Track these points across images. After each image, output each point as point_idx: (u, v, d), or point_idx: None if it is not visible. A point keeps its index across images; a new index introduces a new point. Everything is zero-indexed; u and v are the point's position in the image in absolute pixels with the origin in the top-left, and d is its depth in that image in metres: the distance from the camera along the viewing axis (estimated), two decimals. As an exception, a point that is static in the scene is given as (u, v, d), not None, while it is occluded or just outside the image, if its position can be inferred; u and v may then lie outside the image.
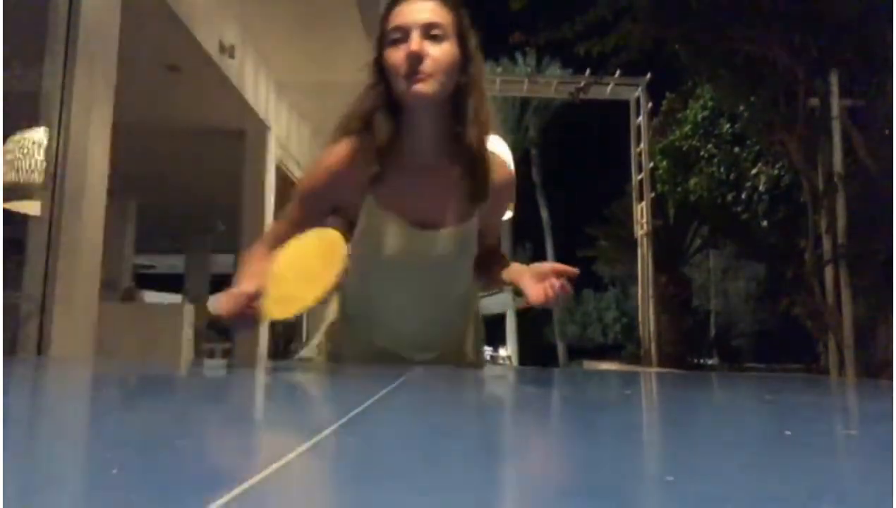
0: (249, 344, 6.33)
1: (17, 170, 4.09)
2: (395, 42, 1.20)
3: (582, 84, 7.79)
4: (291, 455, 0.44)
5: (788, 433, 0.68)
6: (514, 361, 18.88)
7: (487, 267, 1.38)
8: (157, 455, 0.46)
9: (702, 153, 8.67)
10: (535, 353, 23.22)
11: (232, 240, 8.09)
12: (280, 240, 1.21)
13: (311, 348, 1.48)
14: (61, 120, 3.08)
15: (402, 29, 1.19)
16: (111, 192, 3.38)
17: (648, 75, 8.03)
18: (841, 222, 4.78)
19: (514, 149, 6.13)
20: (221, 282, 13.51)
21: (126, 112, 3.55)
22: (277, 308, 1.14)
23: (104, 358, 3.35)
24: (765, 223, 7.74)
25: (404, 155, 1.26)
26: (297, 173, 7.66)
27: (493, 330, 20.88)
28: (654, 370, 6.66)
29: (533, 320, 23.82)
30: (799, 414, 0.88)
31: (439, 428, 0.67)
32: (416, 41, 1.17)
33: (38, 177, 3.62)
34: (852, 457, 0.56)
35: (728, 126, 8.37)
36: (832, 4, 4.92)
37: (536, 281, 1.21)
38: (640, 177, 8.21)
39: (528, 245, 25.80)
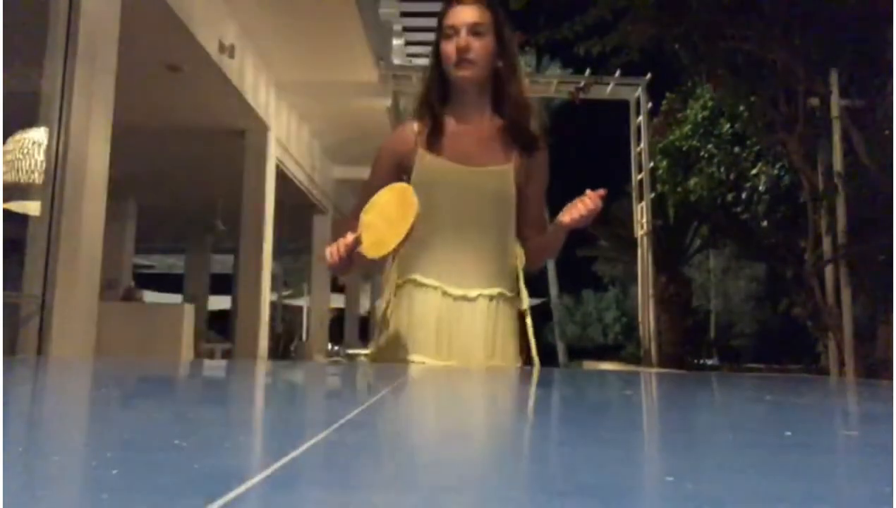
0: (250, 344, 6.34)
1: (17, 170, 4.09)
2: (448, 37, 1.59)
3: (582, 84, 7.78)
4: (291, 455, 0.44)
5: (788, 433, 0.68)
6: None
7: (539, 238, 1.69)
8: (157, 455, 0.46)
9: (702, 153, 8.66)
10: (535, 353, 23.17)
11: (232, 239, 8.10)
12: (364, 202, 1.50)
13: (373, 346, 1.70)
14: (61, 120, 3.08)
15: (454, 27, 1.58)
16: (111, 192, 3.38)
17: (648, 75, 8.03)
18: (841, 222, 4.77)
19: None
20: (221, 282, 13.53)
21: (126, 112, 3.55)
22: (372, 250, 1.43)
23: (104, 358, 3.35)
24: (765, 223, 7.73)
25: (455, 122, 1.62)
26: (297, 173, 7.66)
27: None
28: (654, 370, 6.66)
29: (533, 320, 23.79)
30: (799, 414, 0.88)
31: (439, 428, 0.67)
32: (463, 37, 1.56)
33: (38, 177, 3.62)
34: (852, 457, 0.56)
35: (728, 126, 8.36)
36: (832, 4, 4.92)
37: (569, 210, 1.55)
38: (640, 177, 8.20)
39: (528, 245, 25.78)
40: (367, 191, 1.55)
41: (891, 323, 4.46)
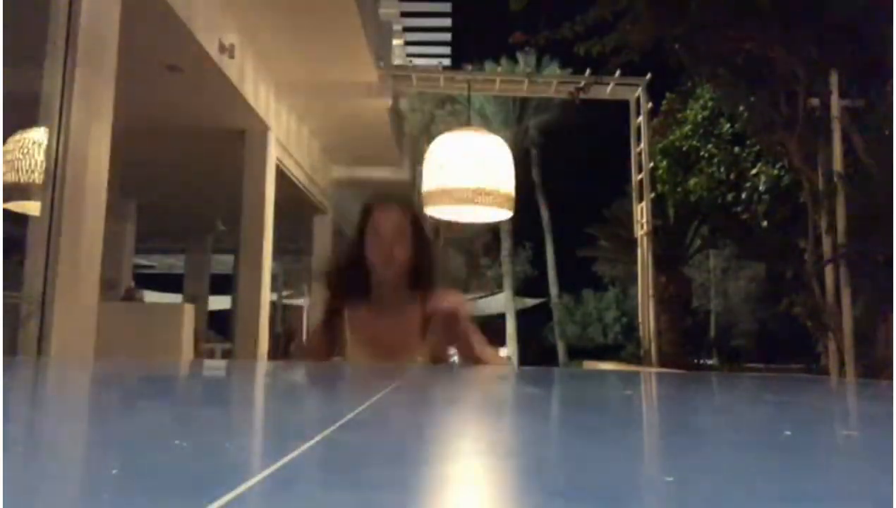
0: (250, 344, 6.34)
1: (17, 170, 4.10)
2: (374, 236, 1.76)
3: (582, 84, 7.76)
4: (291, 456, 0.44)
5: (788, 433, 0.68)
6: (515, 361, 18.88)
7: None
8: (157, 456, 0.46)
9: (702, 153, 8.66)
10: (535, 353, 23.20)
11: (232, 239, 8.09)
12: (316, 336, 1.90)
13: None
14: (61, 120, 3.08)
15: (379, 229, 1.76)
16: (111, 192, 3.38)
17: (648, 75, 8.02)
18: (841, 222, 4.77)
19: (514, 148, 6.13)
20: (221, 282, 13.53)
21: (126, 112, 3.55)
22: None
23: (104, 358, 3.35)
24: (765, 223, 7.72)
25: (375, 312, 1.79)
26: (297, 173, 7.66)
27: (493, 331, 20.88)
28: (654, 370, 6.66)
29: (533, 320, 23.82)
30: (799, 414, 0.88)
31: (439, 429, 0.67)
32: (388, 240, 1.75)
33: (38, 177, 3.62)
34: (852, 457, 0.56)
35: (728, 126, 8.36)
36: (832, 4, 4.91)
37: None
38: (640, 177, 8.20)
39: (529, 244, 25.77)
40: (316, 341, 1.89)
41: (891, 323, 4.46)
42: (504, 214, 4.91)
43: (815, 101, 5.17)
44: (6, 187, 3.95)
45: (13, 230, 3.33)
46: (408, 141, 11.17)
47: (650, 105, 8.24)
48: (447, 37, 9.67)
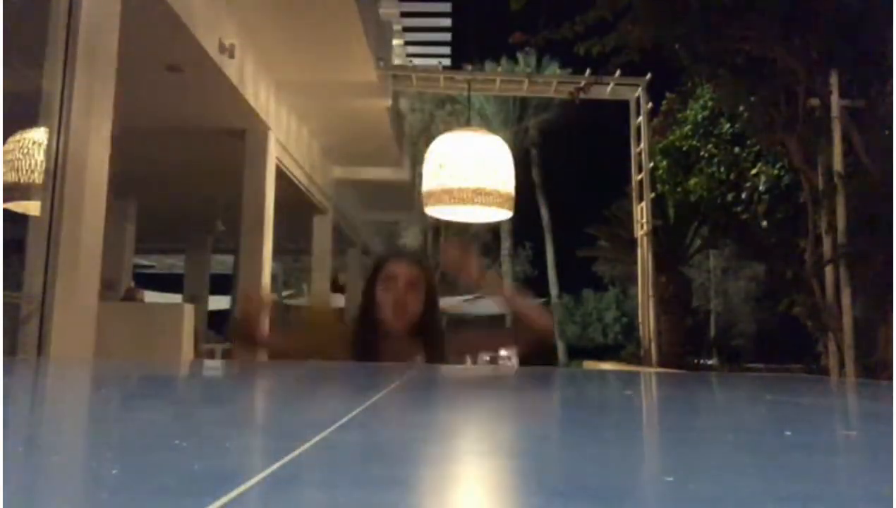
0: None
1: (17, 170, 4.10)
2: (387, 287, 1.82)
3: (582, 84, 7.76)
4: (291, 455, 0.44)
5: (788, 433, 0.68)
6: (515, 361, 18.84)
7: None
8: (157, 455, 0.46)
9: (702, 153, 8.66)
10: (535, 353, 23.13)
11: (232, 239, 8.08)
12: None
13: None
14: (61, 120, 3.08)
15: (392, 279, 1.82)
16: (111, 192, 3.38)
17: (648, 75, 8.01)
18: (841, 222, 4.77)
19: (514, 148, 6.13)
20: (221, 282, 13.52)
21: (126, 112, 3.54)
22: None
23: (104, 358, 3.34)
24: (765, 223, 7.72)
25: (382, 350, 1.83)
26: (296, 173, 7.66)
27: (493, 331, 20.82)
28: (654, 370, 6.66)
29: (533, 320, 23.74)
30: (799, 414, 0.88)
31: (439, 429, 0.67)
32: (401, 291, 1.81)
33: (38, 177, 3.62)
34: (852, 457, 0.56)
35: (728, 126, 8.36)
36: (832, 4, 4.91)
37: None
38: (640, 177, 8.19)
39: (529, 244, 25.78)
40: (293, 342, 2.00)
41: (891, 323, 4.46)
42: (504, 214, 4.91)
43: (815, 101, 5.17)
44: (6, 187, 3.95)
45: (13, 230, 3.33)
46: (408, 141, 11.18)
47: (650, 105, 8.23)
48: (447, 37, 9.67)
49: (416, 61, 9.61)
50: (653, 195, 8.30)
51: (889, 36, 4.27)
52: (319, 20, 5.54)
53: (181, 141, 6.73)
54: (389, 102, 7.44)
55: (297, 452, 0.45)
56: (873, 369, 4.61)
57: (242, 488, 0.34)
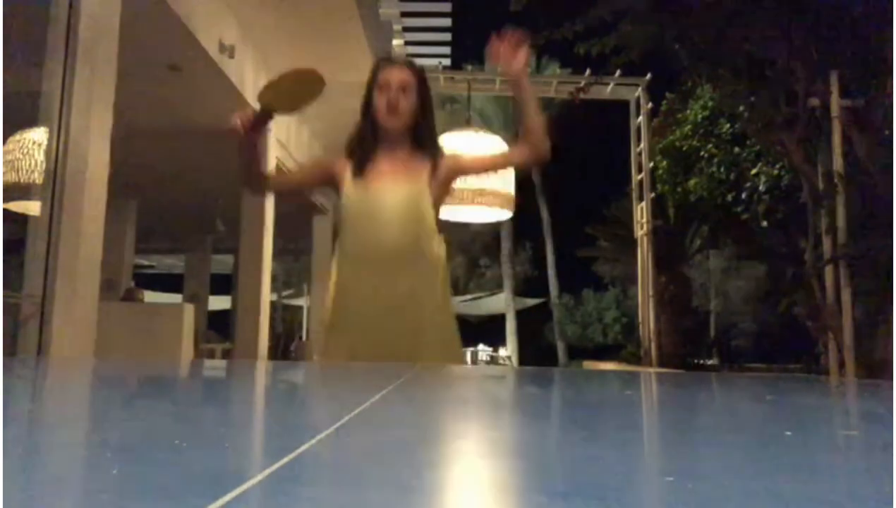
0: (250, 344, 6.33)
1: (17, 170, 4.10)
2: (381, 91, 1.93)
3: (582, 84, 7.76)
4: (291, 456, 0.44)
5: (788, 433, 0.68)
6: (514, 361, 18.87)
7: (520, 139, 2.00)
8: (157, 456, 0.46)
9: (702, 153, 8.65)
10: (535, 353, 23.18)
11: (232, 239, 8.08)
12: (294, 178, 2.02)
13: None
14: (61, 120, 3.08)
15: (386, 83, 1.93)
16: (111, 192, 3.38)
17: (648, 75, 8.01)
18: (841, 222, 4.77)
19: (514, 149, 6.12)
20: (221, 282, 13.52)
21: (126, 112, 3.54)
22: (275, 101, 1.95)
23: (104, 358, 3.34)
24: (765, 223, 7.72)
25: (381, 157, 1.95)
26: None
27: (493, 330, 20.87)
28: (654, 370, 6.66)
29: (533, 320, 23.80)
30: (799, 414, 0.88)
31: (439, 429, 0.67)
32: (394, 93, 1.91)
33: (38, 177, 3.62)
34: (852, 457, 0.56)
35: (728, 126, 8.35)
36: (832, 4, 4.91)
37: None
38: (640, 177, 8.19)
39: (529, 245, 25.76)
40: (296, 173, 1.95)
41: (891, 323, 4.45)
42: (504, 214, 4.91)
43: (815, 101, 5.17)
44: (6, 187, 3.95)
45: (13, 230, 3.33)
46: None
47: (650, 105, 8.23)
48: (447, 37, 9.66)
49: (416, 61, 9.61)
50: (653, 195, 8.30)
51: (889, 36, 4.27)
52: (319, 20, 5.54)
53: (181, 141, 6.73)
54: (389, 102, 7.43)
55: (297, 452, 0.45)
56: (873, 369, 4.61)
57: (242, 488, 0.34)
